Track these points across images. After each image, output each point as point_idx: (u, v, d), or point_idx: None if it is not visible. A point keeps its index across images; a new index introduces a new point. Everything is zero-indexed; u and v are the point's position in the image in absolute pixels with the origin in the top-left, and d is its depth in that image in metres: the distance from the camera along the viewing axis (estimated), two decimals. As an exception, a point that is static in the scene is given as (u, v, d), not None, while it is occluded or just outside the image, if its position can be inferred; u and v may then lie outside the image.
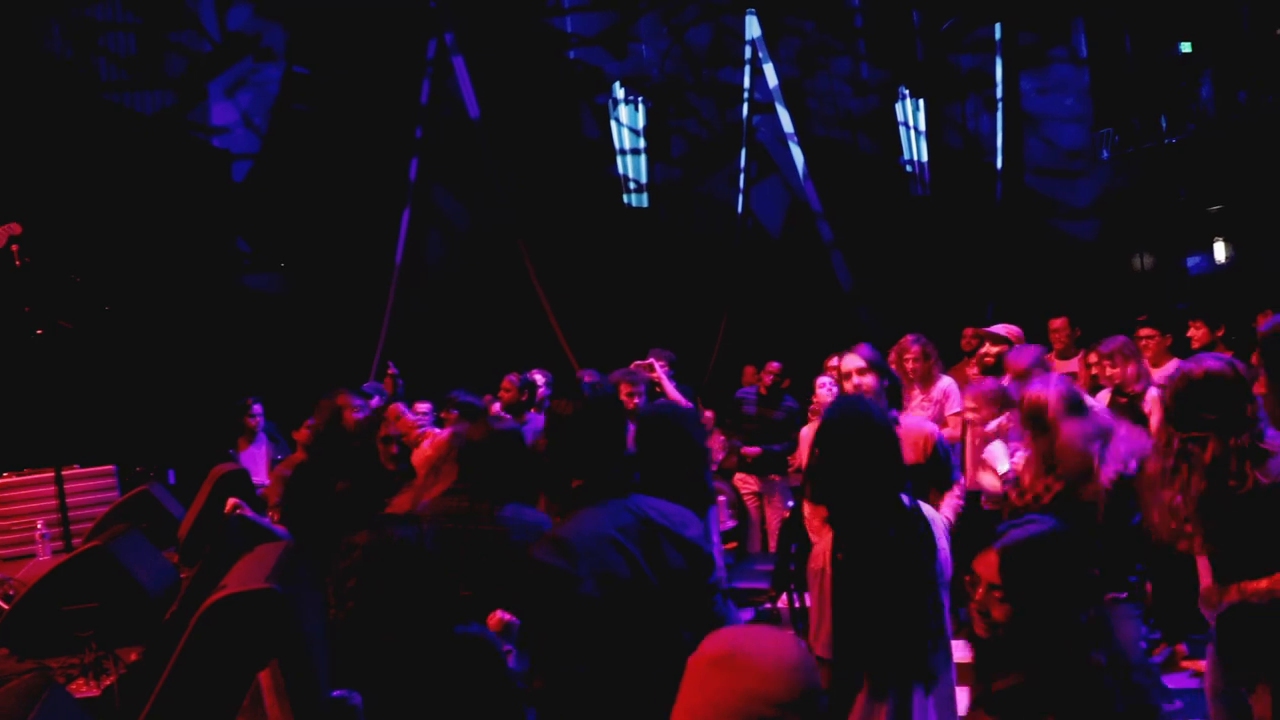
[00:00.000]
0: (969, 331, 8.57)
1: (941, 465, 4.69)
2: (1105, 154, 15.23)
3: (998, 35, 15.61)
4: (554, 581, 2.66)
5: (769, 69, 14.47)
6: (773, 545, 7.08)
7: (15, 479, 7.06)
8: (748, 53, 14.75)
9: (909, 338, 6.53)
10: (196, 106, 12.17)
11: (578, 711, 2.71)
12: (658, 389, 6.49)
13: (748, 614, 6.95)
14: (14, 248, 5.14)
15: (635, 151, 14.43)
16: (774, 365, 8.15)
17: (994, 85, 15.67)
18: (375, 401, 7.31)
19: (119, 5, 11.36)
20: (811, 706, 1.65)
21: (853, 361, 4.82)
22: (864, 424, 3.20)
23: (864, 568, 3.02)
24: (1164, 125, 14.39)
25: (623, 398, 6.13)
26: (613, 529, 2.76)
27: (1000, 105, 15.55)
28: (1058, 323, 7.64)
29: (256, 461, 8.18)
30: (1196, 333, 6.50)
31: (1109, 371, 5.99)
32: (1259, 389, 3.38)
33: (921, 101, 15.67)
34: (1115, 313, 9.81)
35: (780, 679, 1.63)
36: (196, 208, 11.14)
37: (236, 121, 12.44)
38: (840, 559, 3.06)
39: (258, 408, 8.30)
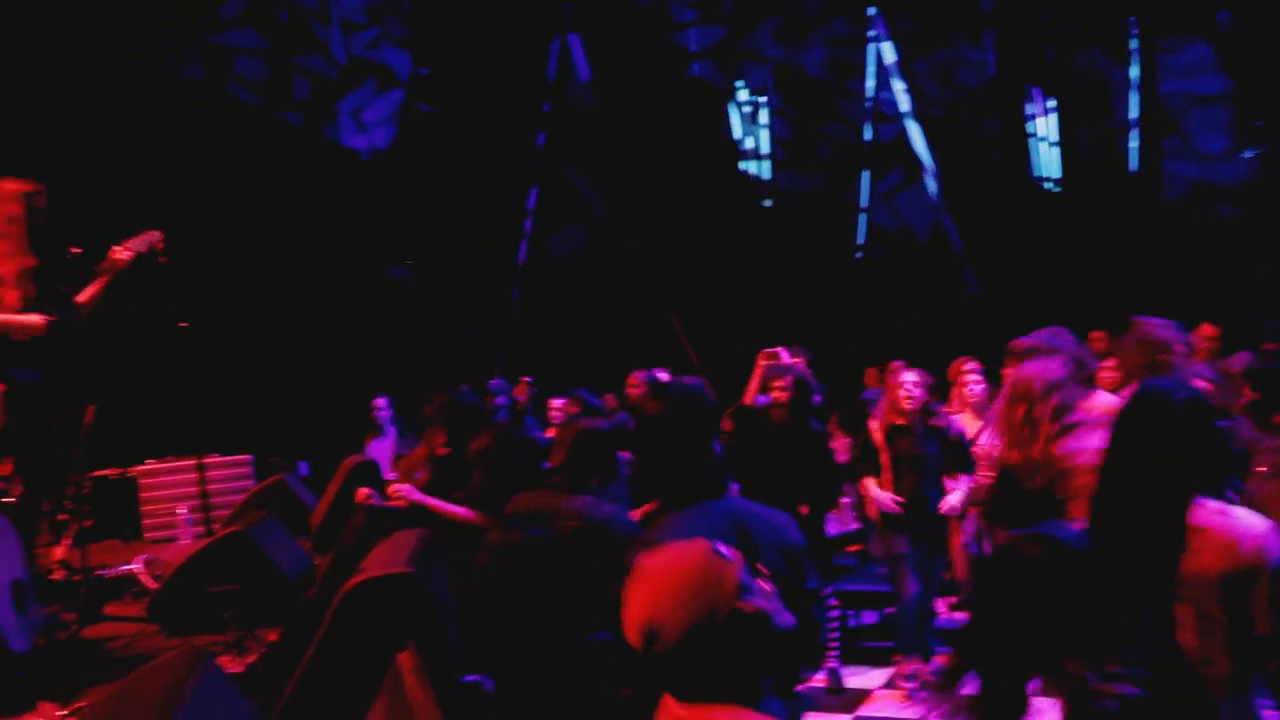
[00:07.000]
0: (1096, 335, 8.27)
1: None
2: (1250, 152, 14.51)
3: (1131, 23, 15.04)
4: None
5: (889, 50, 14.25)
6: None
7: (159, 465, 7.38)
8: (871, 56, 14.57)
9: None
10: (326, 125, 12.63)
11: None
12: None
13: (870, 617, 6.85)
14: (159, 245, 5.35)
15: (758, 156, 14.42)
16: (898, 365, 7.97)
17: (1127, 74, 15.08)
18: (501, 400, 7.44)
19: (250, 32, 11.91)
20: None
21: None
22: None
23: None
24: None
25: (775, 393, 6.17)
26: (706, 532, 2.71)
27: (1137, 93, 14.95)
28: (1209, 330, 7.20)
29: (382, 454, 8.36)
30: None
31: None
32: None
33: (1054, 101, 15.21)
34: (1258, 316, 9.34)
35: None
36: (327, 207, 11.55)
37: (366, 127, 12.85)
38: None
39: (382, 401, 8.48)
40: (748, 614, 1.81)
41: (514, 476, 4.58)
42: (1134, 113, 14.94)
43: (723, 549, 1.88)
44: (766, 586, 1.88)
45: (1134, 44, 14.93)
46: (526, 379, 8.69)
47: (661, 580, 1.84)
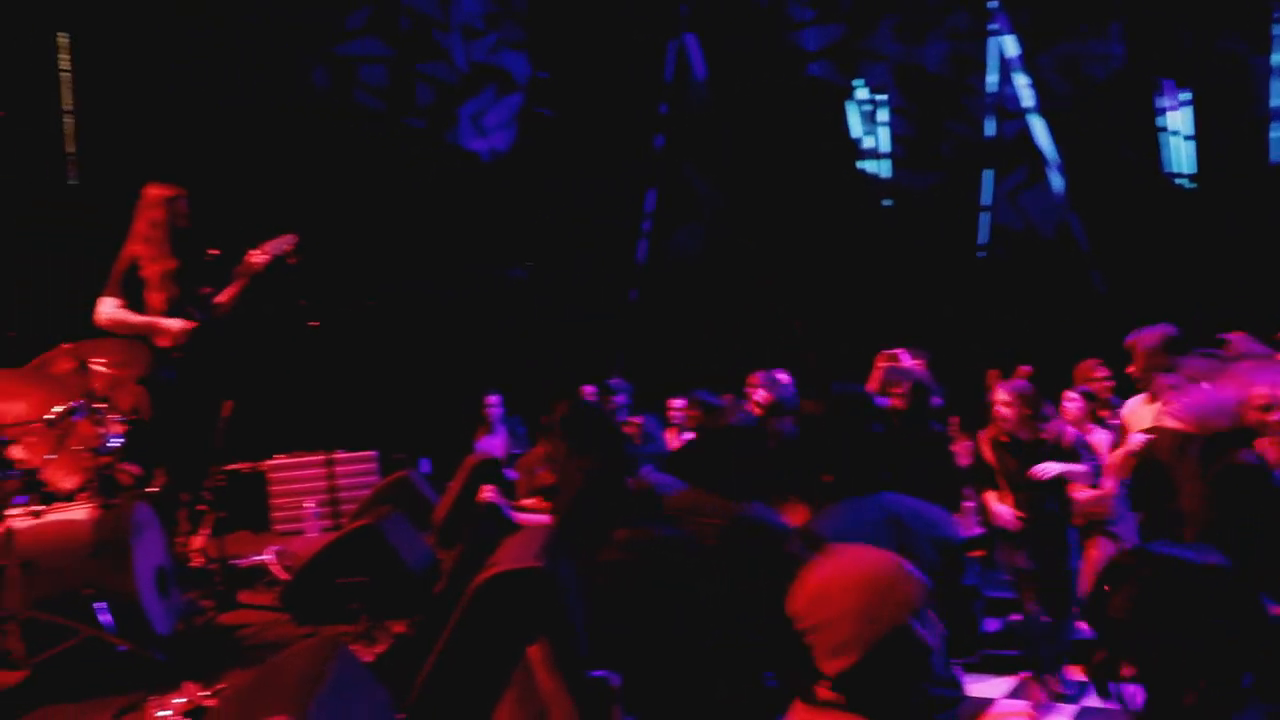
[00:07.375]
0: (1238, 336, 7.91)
1: None
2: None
3: (1274, 5, 14.35)
4: None
5: (1011, 44, 13.88)
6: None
7: (288, 460, 7.63)
8: (993, 51, 14.23)
9: None
10: (448, 130, 12.93)
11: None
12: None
13: (993, 625, 6.67)
14: (289, 248, 5.53)
15: (878, 154, 14.24)
16: (1025, 369, 7.79)
17: (1268, 61, 14.38)
18: (621, 399, 7.48)
19: (374, 41, 12.28)
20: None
21: None
22: None
23: None
24: None
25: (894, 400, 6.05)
26: (860, 525, 2.71)
27: (1279, 81, 14.26)
28: None
29: (492, 451, 8.46)
30: None
31: None
32: None
33: (1187, 93, 14.62)
34: None
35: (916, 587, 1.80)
36: (450, 210, 11.81)
37: (487, 131, 13.11)
38: None
39: (494, 399, 8.57)
40: (912, 639, 1.76)
41: (601, 498, 4.60)
42: (1276, 102, 14.28)
43: (916, 571, 1.84)
44: (939, 627, 1.82)
45: (1276, 29, 14.26)
46: (638, 419, 8.72)
47: (845, 572, 1.81)
